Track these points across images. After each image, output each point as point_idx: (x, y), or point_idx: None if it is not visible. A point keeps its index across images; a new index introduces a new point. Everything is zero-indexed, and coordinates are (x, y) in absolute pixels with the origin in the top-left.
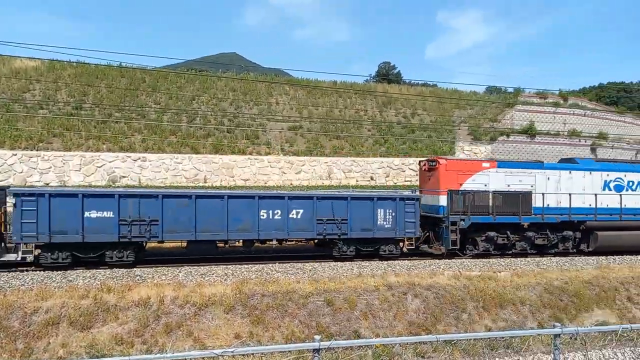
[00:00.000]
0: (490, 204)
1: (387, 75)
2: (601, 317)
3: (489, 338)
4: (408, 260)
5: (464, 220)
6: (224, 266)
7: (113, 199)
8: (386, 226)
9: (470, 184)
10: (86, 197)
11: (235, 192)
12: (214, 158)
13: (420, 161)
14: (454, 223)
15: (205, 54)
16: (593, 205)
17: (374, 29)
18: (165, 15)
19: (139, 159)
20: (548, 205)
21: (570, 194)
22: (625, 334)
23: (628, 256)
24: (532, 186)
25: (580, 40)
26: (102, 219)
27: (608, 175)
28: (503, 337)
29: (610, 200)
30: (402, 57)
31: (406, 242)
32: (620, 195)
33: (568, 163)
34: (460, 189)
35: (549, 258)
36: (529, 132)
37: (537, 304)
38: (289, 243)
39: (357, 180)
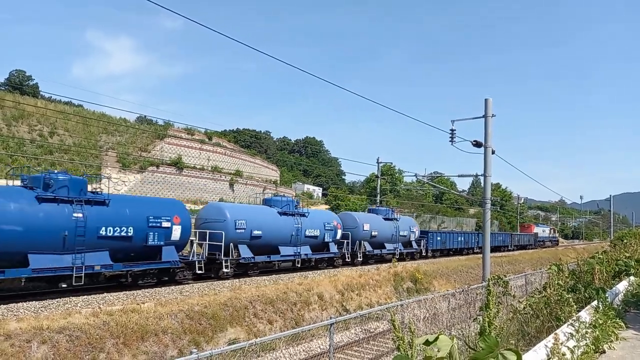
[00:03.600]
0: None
1: (21, 85)
2: (233, 334)
3: None
4: None
5: None
6: None
7: None
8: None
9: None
10: None
11: None
12: None
13: (521, 222)
14: None
15: None
16: None
17: (8, 30)
18: None
19: None
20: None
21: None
22: (251, 349)
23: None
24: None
25: (218, 86)
26: None
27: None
28: None
29: None
30: (42, 68)
31: None
32: None
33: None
34: (533, 232)
35: (191, 285)
36: (178, 164)
37: (178, 331)
38: None
39: None
